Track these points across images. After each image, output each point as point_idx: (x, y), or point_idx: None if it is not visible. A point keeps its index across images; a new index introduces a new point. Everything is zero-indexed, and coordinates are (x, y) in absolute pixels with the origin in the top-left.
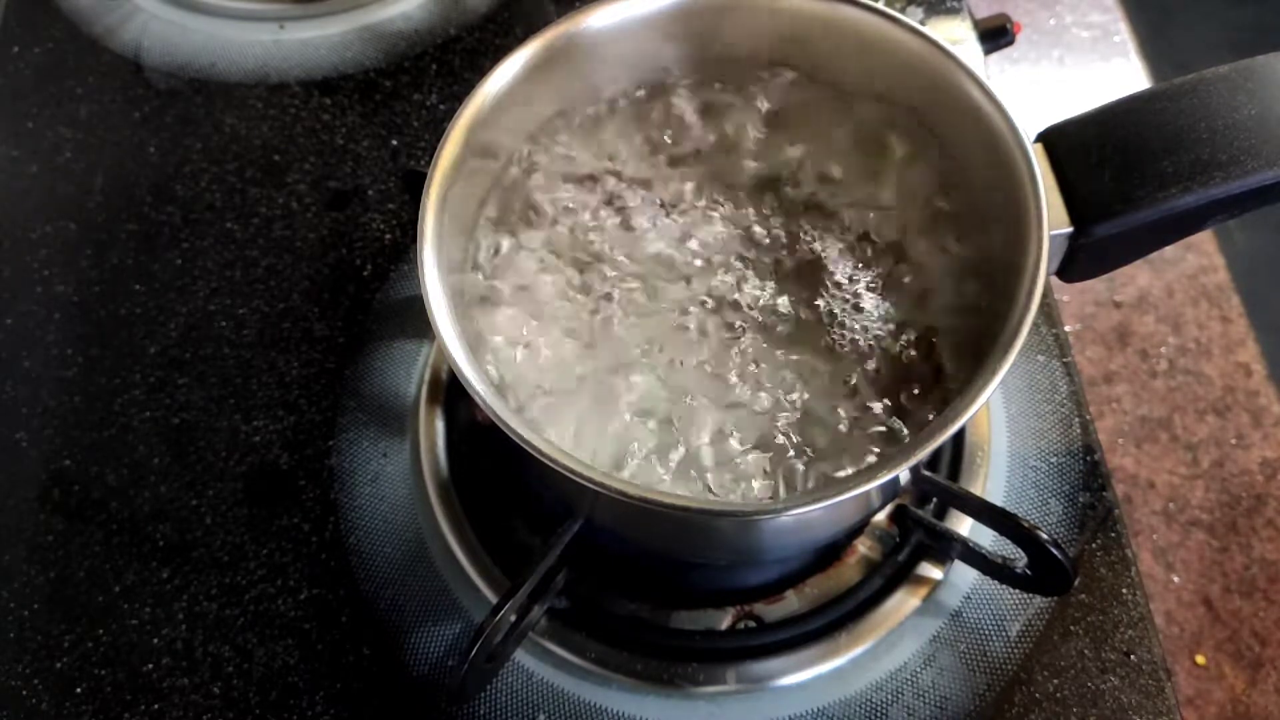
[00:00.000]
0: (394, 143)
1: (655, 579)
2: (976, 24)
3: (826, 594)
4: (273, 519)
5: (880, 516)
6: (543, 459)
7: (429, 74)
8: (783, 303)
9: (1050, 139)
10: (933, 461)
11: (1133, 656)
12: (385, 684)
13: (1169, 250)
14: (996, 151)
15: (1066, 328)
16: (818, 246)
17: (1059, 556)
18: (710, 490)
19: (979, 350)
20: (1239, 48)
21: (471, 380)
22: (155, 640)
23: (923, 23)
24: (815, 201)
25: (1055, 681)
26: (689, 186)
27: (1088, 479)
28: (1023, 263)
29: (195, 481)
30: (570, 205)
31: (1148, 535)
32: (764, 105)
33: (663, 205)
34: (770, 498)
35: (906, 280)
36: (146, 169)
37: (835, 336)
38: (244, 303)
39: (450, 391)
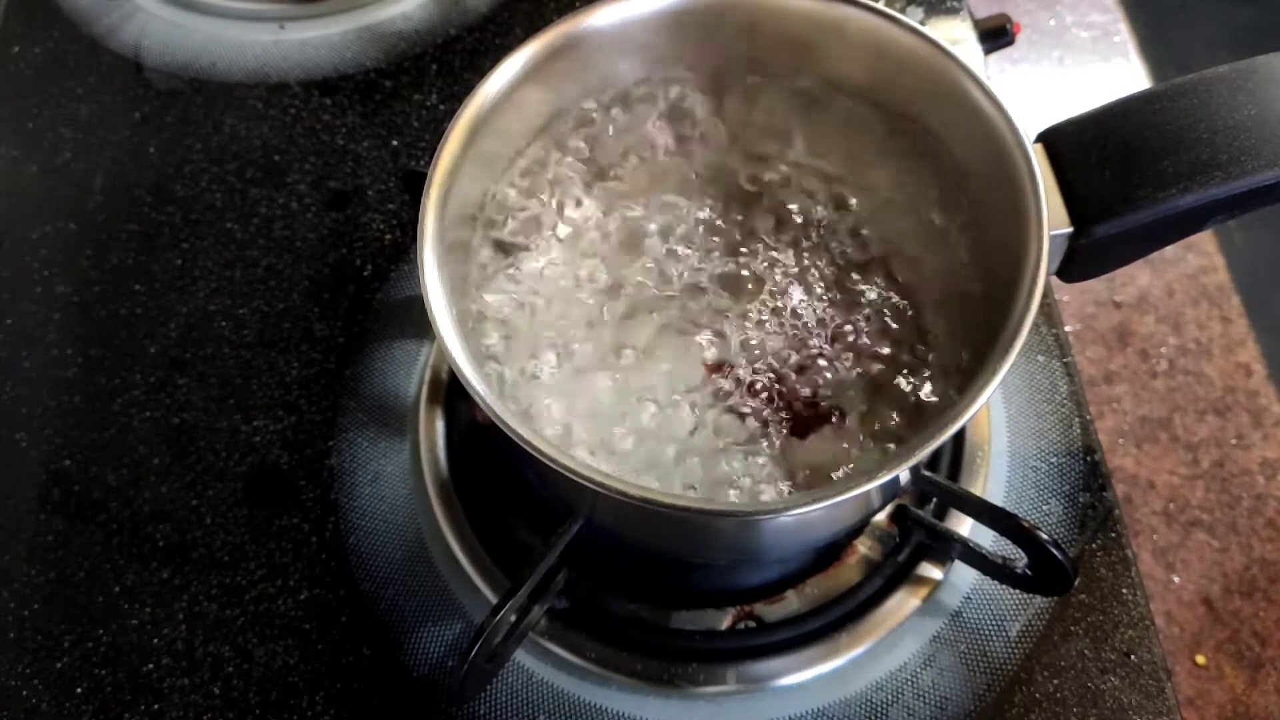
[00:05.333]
0: (394, 143)
1: (655, 579)
2: (976, 24)
3: (826, 594)
4: (273, 519)
5: (880, 516)
6: (543, 459)
7: (429, 74)
8: (778, 302)
9: (1050, 139)
10: (933, 461)
11: (1133, 657)
12: (385, 684)
13: (1169, 250)
14: (996, 151)
15: (1066, 328)
16: (815, 246)
17: (1059, 557)
18: (709, 491)
19: (978, 350)
20: (1239, 48)
21: (471, 380)
22: (155, 640)
23: (923, 23)
24: (812, 200)
25: (1055, 681)
26: (688, 186)
27: (1088, 479)
28: (1023, 263)
29: (195, 481)
30: (569, 204)
31: (1148, 535)
32: (763, 105)
33: (662, 204)
34: (770, 498)
35: (905, 280)
36: (146, 169)
37: (831, 336)
38: (244, 303)
39: (450, 391)
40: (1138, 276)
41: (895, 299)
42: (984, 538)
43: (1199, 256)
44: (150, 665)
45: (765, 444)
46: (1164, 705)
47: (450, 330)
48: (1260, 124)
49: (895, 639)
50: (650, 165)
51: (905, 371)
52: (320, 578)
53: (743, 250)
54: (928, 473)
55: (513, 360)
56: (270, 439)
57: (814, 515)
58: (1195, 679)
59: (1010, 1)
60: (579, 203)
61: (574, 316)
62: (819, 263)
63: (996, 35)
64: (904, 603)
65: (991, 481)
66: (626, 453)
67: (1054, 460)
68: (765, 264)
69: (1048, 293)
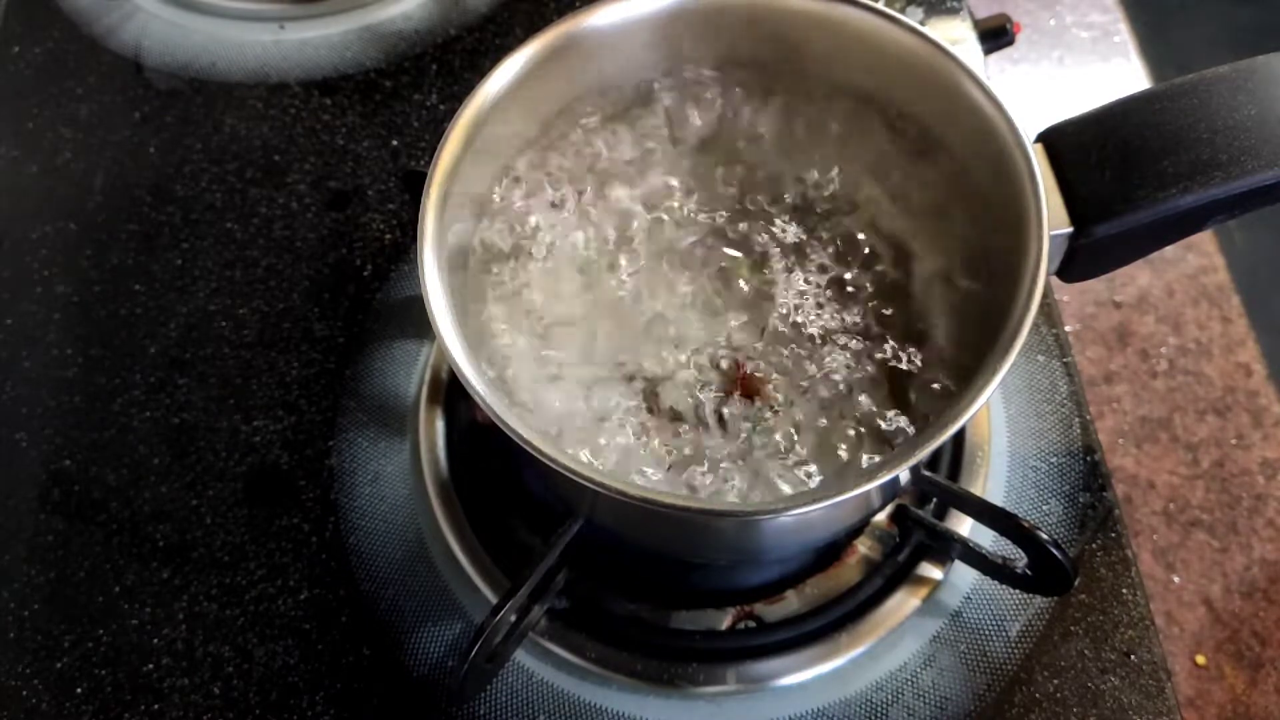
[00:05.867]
0: (394, 143)
1: (655, 579)
2: (976, 24)
3: (826, 594)
4: (273, 519)
5: (880, 516)
6: (543, 459)
7: (429, 74)
8: (778, 302)
9: (1050, 139)
10: (933, 461)
11: (1133, 657)
12: (385, 684)
13: (1169, 250)
14: (996, 152)
15: (1066, 328)
16: (814, 246)
17: (1059, 557)
18: (706, 489)
19: (978, 350)
20: (1239, 48)
21: (471, 380)
22: (155, 640)
23: (923, 23)
24: (812, 201)
25: (1055, 681)
26: (688, 186)
27: (1088, 479)
28: (1023, 263)
29: (195, 481)
30: (569, 203)
31: (1148, 535)
32: (763, 105)
33: (662, 204)
34: (770, 498)
35: (904, 281)
36: (146, 169)
37: (830, 335)
38: (244, 303)
39: (450, 391)
40: (1138, 276)
41: (895, 298)
42: (984, 538)
43: (1199, 256)
44: (150, 665)
45: (770, 440)
46: (1164, 705)
47: (450, 330)
48: (1260, 124)
49: (895, 639)
50: (650, 165)
51: (904, 371)
52: (320, 578)
53: (742, 249)
54: (928, 473)
55: (513, 360)
56: (270, 439)
57: (814, 515)
58: (1195, 679)
59: (1010, 1)
60: (579, 202)
61: (575, 316)
62: (818, 261)
63: (996, 35)
64: (904, 603)
65: (991, 481)
66: (627, 449)
67: (1054, 460)
68: (765, 263)
69: (1048, 293)
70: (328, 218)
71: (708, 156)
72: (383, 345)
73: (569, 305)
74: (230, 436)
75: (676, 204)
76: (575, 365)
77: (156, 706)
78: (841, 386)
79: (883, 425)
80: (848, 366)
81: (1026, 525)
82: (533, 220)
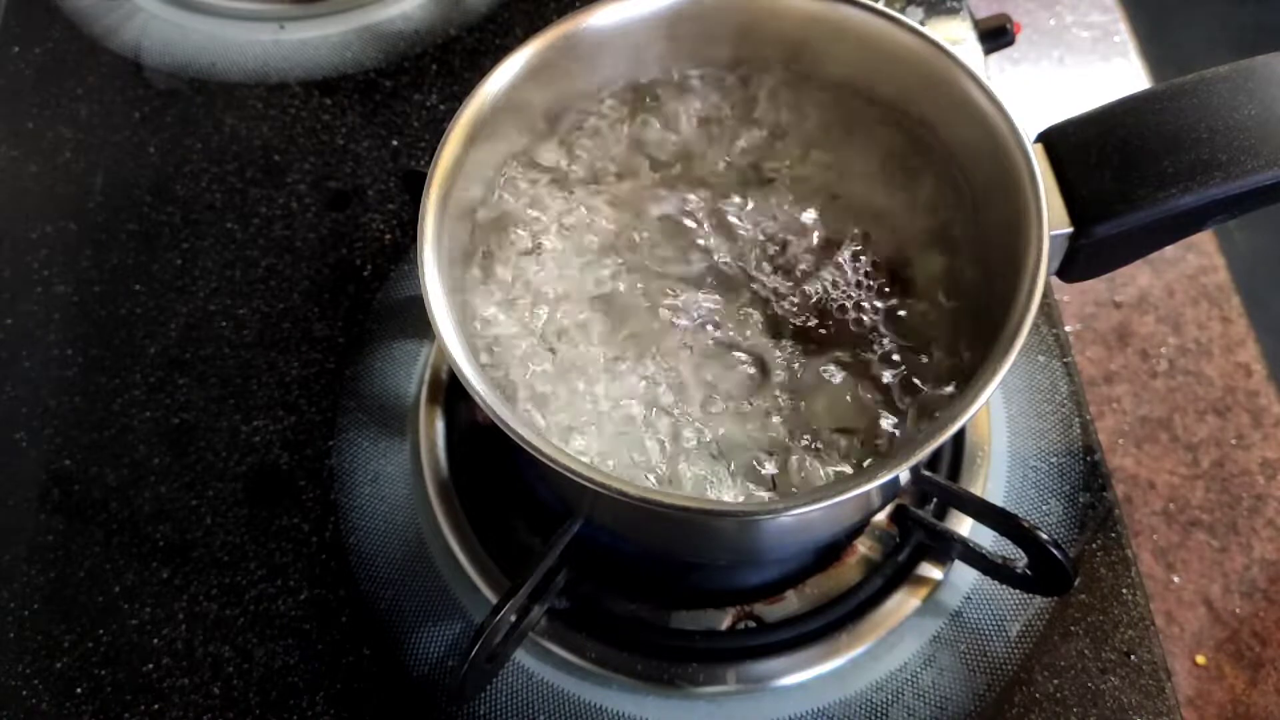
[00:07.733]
0: (394, 143)
1: (655, 579)
2: (976, 24)
3: (827, 594)
4: (273, 519)
5: (880, 516)
6: (543, 459)
7: (429, 74)
8: (778, 304)
9: (1050, 139)
10: (933, 461)
11: (1133, 656)
12: (385, 684)
13: (1169, 250)
14: (996, 151)
15: (1066, 328)
16: (814, 247)
17: (1059, 557)
18: (709, 488)
19: (978, 350)
20: (1239, 48)
21: (471, 380)
22: (155, 640)
23: (923, 23)
24: (812, 201)
25: (1055, 681)
26: (687, 186)
27: (1088, 479)
28: (1023, 263)
29: (195, 481)
30: (570, 204)
31: (1148, 535)
32: (763, 106)
33: (662, 204)
34: (770, 498)
35: (904, 281)
36: (146, 169)
37: (829, 337)
38: (244, 303)
39: (450, 391)
40: (1138, 276)
41: (895, 299)
42: (984, 538)
43: (1199, 256)
44: (150, 665)
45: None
46: (1164, 705)
47: (450, 330)
48: (1260, 124)
49: (895, 639)
50: (650, 165)
51: (905, 372)
52: (320, 578)
53: (742, 250)
54: (928, 473)
55: (513, 360)
56: (270, 439)
57: (814, 515)
58: (1195, 679)
59: (1010, 1)
60: (579, 203)
61: (574, 316)
62: (819, 264)
63: (996, 35)
64: (904, 603)
65: (991, 481)
66: (622, 448)
67: (1054, 460)
68: (764, 264)
69: (1048, 293)
70: (328, 218)
71: (707, 156)
72: (383, 345)
73: (568, 304)
74: (230, 436)
75: (676, 204)
76: (574, 368)
77: (156, 706)
78: (841, 387)
79: (883, 426)
80: (847, 367)
81: (1026, 525)
82: (531, 220)
